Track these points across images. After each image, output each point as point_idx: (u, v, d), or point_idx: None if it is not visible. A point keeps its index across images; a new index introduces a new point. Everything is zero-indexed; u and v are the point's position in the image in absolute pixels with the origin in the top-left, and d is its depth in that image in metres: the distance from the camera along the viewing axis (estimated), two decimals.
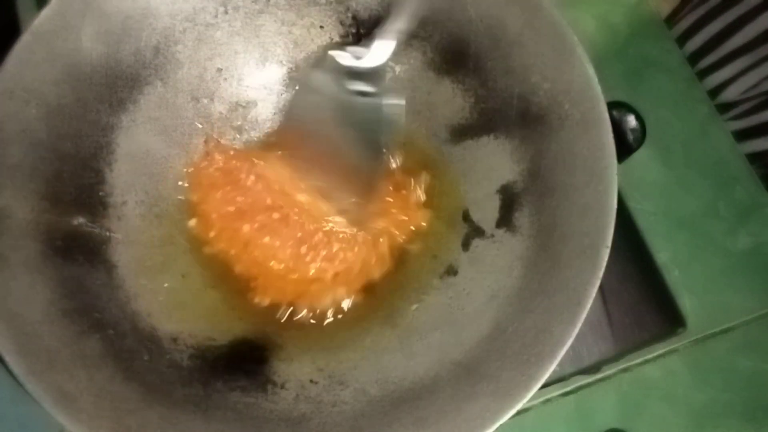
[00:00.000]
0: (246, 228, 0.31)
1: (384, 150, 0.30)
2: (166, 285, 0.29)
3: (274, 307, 0.30)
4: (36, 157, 0.27)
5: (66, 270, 0.26)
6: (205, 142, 0.32)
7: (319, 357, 0.28)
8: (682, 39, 0.46)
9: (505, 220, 0.30)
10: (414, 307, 0.30)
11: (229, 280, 0.30)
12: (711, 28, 0.43)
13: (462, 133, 0.32)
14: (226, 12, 0.31)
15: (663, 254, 0.38)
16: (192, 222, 0.31)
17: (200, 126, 0.32)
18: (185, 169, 0.32)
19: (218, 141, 0.32)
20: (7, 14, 0.37)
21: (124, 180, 0.30)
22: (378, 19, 0.32)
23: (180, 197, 0.31)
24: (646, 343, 0.35)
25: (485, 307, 0.28)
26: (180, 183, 0.32)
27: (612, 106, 0.31)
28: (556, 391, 0.35)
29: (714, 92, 0.44)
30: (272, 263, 0.30)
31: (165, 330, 0.28)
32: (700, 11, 0.44)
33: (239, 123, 0.33)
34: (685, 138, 0.41)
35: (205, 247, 0.31)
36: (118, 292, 0.28)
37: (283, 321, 0.30)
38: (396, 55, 0.32)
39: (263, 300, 0.30)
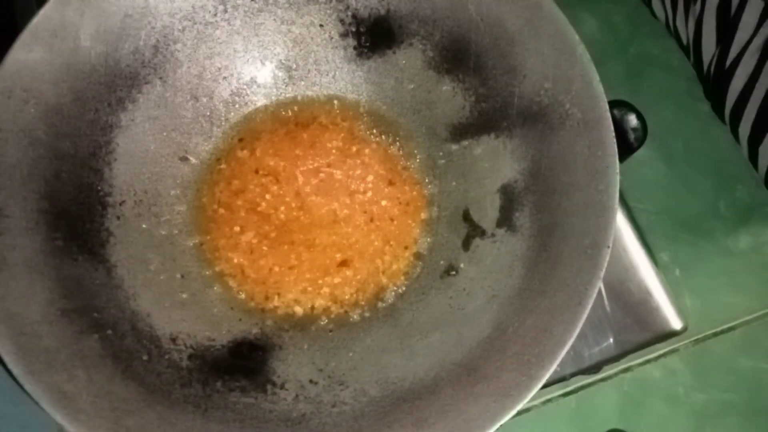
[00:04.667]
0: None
1: None
2: (164, 285, 0.29)
3: (273, 307, 0.30)
4: (35, 157, 0.27)
5: (65, 270, 0.26)
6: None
7: (319, 357, 0.28)
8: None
9: (505, 219, 0.29)
10: (414, 307, 0.30)
11: (228, 279, 0.30)
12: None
13: (462, 132, 0.32)
14: (225, 10, 0.31)
15: (664, 254, 0.38)
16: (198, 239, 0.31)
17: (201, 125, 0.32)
18: (222, 166, 0.32)
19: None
20: (6, 13, 0.37)
21: (123, 179, 0.30)
22: (378, 18, 0.32)
23: (177, 193, 0.31)
24: (647, 343, 0.35)
25: (485, 307, 0.28)
26: (177, 185, 0.31)
27: (613, 105, 0.31)
28: (556, 391, 0.35)
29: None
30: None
31: (164, 330, 0.27)
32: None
33: (238, 121, 0.33)
34: (686, 137, 0.41)
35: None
36: (117, 291, 0.27)
37: (282, 321, 0.30)
38: (396, 55, 0.32)
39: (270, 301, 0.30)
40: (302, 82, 0.33)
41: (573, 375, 0.34)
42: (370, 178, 0.32)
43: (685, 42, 0.42)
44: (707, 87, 0.41)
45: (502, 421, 0.23)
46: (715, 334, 0.37)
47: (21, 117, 0.26)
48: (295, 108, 0.34)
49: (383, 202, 0.32)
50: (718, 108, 0.41)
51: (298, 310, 0.30)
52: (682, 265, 0.38)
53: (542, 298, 0.26)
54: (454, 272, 0.30)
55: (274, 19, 0.32)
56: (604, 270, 0.24)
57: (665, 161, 0.40)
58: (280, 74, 0.33)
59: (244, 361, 0.28)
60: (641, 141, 0.36)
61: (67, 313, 0.25)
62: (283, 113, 0.33)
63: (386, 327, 0.29)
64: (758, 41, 0.37)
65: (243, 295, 0.30)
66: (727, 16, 0.39)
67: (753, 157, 0.40)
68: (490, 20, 0.29)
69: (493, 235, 0.30)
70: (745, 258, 0.39)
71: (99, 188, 0.29)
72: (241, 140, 0.33)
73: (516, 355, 0.25)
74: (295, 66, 0.33)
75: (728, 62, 0.39)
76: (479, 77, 0.31)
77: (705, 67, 0.41)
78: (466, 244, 0.30)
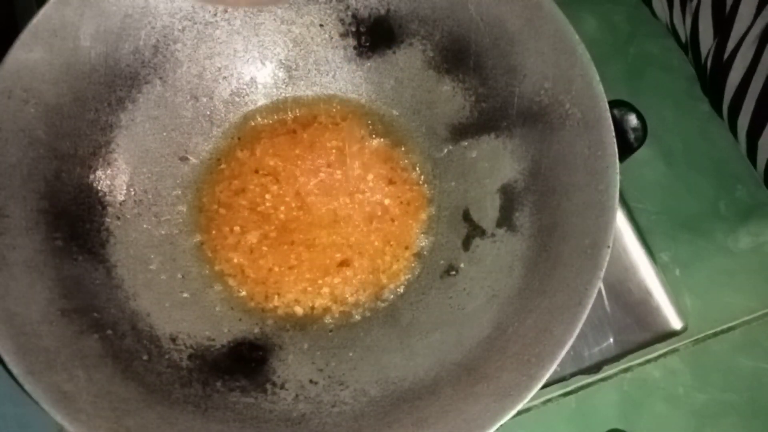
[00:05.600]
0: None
1: None
2: (165, 285, 0.29)
3: (273, 307, 0.30)
4: (35, 157, 0.27)
5: (65, 270, 0.26)
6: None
7: (319, 357, 0.28)
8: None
9: (505, 219, 0.29)
10: (414, 307, 0.30)
11: (228, 279, 0.30)
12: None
13: (462, 132, 0.32)
14: (225, 10, 0.31)
15: (664, 254, 0.38)
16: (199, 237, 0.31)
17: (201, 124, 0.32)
18: (222, 166, 0.32)
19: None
20: (6, 13, 0.37)
21: (123, 179, 0.30)
22: (378, 18, 0.31)
23: (177, 192, 0.31)
24: (647, 343, 0.35)
25: (485, 307, 0.28)
26: (179, 184, 0.31)
27: (613, 104, 0.31)
28: (556, 391, 0.35)
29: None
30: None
31: (164, 330, 0.27)
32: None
33: (238, 121, 0.33)
34: (686, 137, 0.41)
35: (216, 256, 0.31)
36: (117, 291, 0.27)
37: (282, 321, 0.30)
38: (396, 55, 0.32)
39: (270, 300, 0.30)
40: (302, 82, 0.33)
41: (573, 375, 0.34)
42: (370, 177, 0.32)
43: (683, 39, 0.42)
44: (705, 82, 0.41)
45: (502, 421, 0.23)
46: (715, 334, 0.37)
47: (21, 117, 0.26)
48: (295, 108, 0.34)
49: (383, 202, 0.32)
50: (716, 103, 0.41)
51: (299, 310, 0.30)
52: (682, 265, 0.38)
53: (542, 298, 0.26)
54: (454, 272, 0.30)
55: (274, 19, 0.32)
56: (604, 270, 0.24)
57: (665, 161, 0.40)
58: (280, 74, 0.33)
59: (244, 361, 0.28)
60: (641, 141, 0.36)
61: (67, 313, 0.25)
62: (283, 113, 0.33)
63: (386, 327, 0.29)
64: (755, 32, 0.37)
65: (243, 295, 0.30)
66: (723, 8, 0.39)
67: (752, 151, 0.39)
68: (490, 20, 0.29)
69: (493, 235, 0.30)
70: (745, 258, 0.39)
71: (99, 188, 0.29)
72: (241, 140, 0.33)
73: (516, 355, 0.25)
74: (295, 66, 0.33)
75: (726, 55, 0.39)
76: (479, 77, 0.31)
77: (702, 61, 0.41)
78: (466, 244, 0.30)
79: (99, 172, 0.29)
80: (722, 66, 0.39)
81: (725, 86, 0.39)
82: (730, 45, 0.38)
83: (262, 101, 0.33)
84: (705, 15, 0.40)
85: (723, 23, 0.39)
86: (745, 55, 0.38)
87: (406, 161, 0.33)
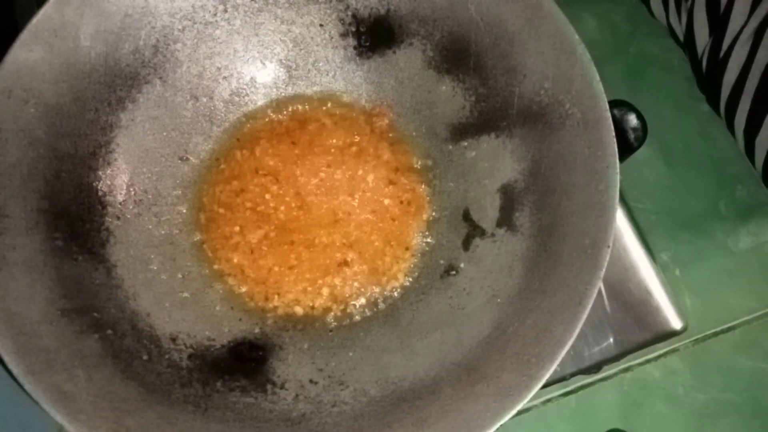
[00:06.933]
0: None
1: None
2: (165, 284, 0.29)
3: (273, 307, 0.30)
4: (35, 157, 0.27)
5: (65, 269, 0.26)
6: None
7: (319, 357, 0.28)
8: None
9: (505, 219, 0.29)
10: (414, 307, 0.30)
11: (228, 279, 0.30)
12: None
13: (462, 131, 0.32)
14: (225, 10, 0.31)
15: (664, 254, 0.38)
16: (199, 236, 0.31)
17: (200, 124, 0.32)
18: (222, 165, 0.32)
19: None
20: (6, 13, 0.37)
21: (123, 179, 0.30)
22: (378, 18, 0.32)
23: (177, 192, 0.31)
24: (647, 343, 0.35)
25: (485, 307, 0.28)
26: (179, 184, 0.31)
27: (613, 105, 0.31)
28: (556, 391, 0.35)
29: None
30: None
31: (164, 330, 0.27)
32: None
33: (238, 121, 0.33)
34: (686, 137, 0.41)
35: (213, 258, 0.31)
36: (117, 291, 0.27)
37: (283, 321, 0.30)
38: (396, 55, 0.32)
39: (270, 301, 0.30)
40: (302, 82, 0.33)
41: (573, 375, 0.34)
42: (370, 177, 0.32)
43: (681, 38, 0.42)
44: (702, 80, 0.41)
45: (502, 421, 0.23)
46: (715, 334, 0.37)
47: (21, 117, 0.26)
48: (295, 108, 0.34)
49: (383, 202, 0.32)
50: (713, 101, 0.41)
51: (299, 310, 0.30)
52: (682, 265, 0.38)
53: (542, 298, 0.26)
54: (454, 272, 0.30)
55: (274, 19, 0.32)
56: (604, 270, 0.24)
57: (665, 161, 0.40)
58: (280, 74, 0.33)
59: (244, 361, 0.28)
60: (641, 141, 0.36)
61: (67, 313, 0.25)
62: (283, 113, 0.33)
63: (386, 327, 0.29)
64: (749, 29, 0.37)
65: (243, 295, 0.30)
66: (717, 6, 0.39)
67: (749, 149, 0.39)
68: (490, 20, 0.29)
69: (493, 234, 0.30)
70: (745, 258, 0.39)
71: (99, 188, 0.29)
72: (240, 140, 0.33)
73: (516, 355, 0.25)
74: (294, 66, 0.33)
75: (721, 53, 0.39)
76: (479, 77, 0.31)
77: (698, 60, 0.41)
78: (466, 244, 0.30)
79: (99, 172, 0.29)
80: (718, 64, 0.39)
81: (722, 84, 0.39)
82: (726, 43, 0.38)
83: (262, 101, 0.33)
84: (700, 13, 0.40)
85: (718, 21, 0.39)
86: (740, 53, 0.38)
87: (405, 161, 0.33)
